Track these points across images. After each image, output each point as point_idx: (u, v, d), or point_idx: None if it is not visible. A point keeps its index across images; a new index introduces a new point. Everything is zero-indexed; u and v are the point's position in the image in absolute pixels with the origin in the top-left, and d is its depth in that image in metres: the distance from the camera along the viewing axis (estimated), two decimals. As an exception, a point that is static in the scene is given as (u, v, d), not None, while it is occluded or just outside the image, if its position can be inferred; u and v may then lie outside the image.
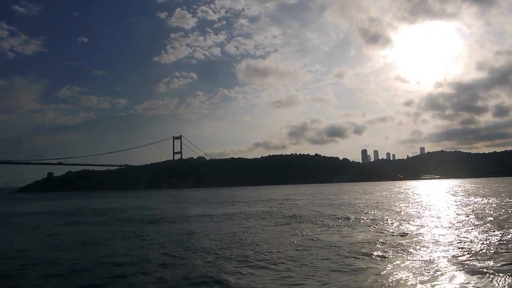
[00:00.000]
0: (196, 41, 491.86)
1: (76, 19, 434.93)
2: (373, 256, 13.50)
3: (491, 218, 23.51)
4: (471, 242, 15.70)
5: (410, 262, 12.55)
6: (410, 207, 34.62)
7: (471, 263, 12.14)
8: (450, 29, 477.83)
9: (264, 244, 17.02)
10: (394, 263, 12.45)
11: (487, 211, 28.47)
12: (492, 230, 18.68)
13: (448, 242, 15.67)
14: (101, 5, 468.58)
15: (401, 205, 37.90)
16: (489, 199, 42.04)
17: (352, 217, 27.06)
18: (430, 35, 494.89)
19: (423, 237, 17.44)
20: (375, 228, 20.92)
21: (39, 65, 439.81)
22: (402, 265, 12.20)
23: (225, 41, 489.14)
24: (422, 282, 10.20)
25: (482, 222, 21.72)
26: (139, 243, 18.71)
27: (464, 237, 16.87)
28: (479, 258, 12.77)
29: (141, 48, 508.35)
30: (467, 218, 24.08)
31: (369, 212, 30.68)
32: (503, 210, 28.43)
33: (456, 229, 19.57)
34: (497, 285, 9.80)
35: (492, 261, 12.22)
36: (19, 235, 24.19)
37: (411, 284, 10.13)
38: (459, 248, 14.40)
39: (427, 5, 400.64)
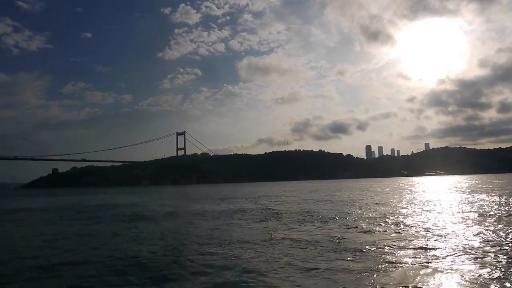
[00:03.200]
0: (200, 37, 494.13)
1: (80, 15, 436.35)
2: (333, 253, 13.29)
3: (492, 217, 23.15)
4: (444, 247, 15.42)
5: (383, 263, 12.31)
6: (402, 205, 34.25)
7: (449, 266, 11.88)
8: (451, 26, 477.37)
9: (230, 242, 16.84)
10: (360, 264, 12.20)
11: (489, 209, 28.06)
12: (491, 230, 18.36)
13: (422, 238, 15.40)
14: (104, 1, 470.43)
15: (393, 202, 37.54)
16: (497, 196, 41.54)
17: (335, 215, 26.82)
18: (431, 32, 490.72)
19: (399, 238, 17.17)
20: (346, 225, 20.65)
21: (44, 61, 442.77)
22: (373, 266, 11.95)
23: (229, 36, 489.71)
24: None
25: (476, 221, 21.37)
26: (103, 241, 18.59)
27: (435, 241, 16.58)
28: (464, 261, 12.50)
29: (145, 44, 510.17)
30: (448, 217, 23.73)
31: (355, 210, 30.38)
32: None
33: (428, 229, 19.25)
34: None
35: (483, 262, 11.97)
36: None
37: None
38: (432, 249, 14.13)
39: (427, 2, 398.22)
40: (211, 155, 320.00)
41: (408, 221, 22.38)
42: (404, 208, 31.23)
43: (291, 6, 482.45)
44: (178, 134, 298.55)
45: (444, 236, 16.90)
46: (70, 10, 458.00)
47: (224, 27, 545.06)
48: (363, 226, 20.76)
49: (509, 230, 17.74)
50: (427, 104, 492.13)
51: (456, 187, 72.25)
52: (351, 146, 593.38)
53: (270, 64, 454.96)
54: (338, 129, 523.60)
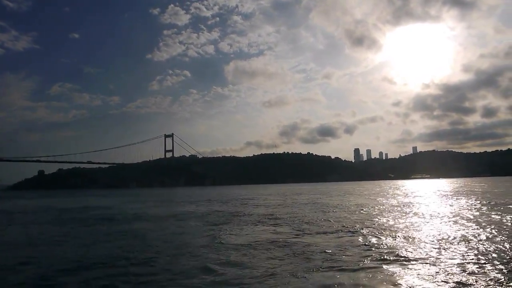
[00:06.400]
0: (189, 39, 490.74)
1: (67, 15, 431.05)
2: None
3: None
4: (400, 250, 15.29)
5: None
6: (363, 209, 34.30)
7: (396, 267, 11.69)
8: (434, 32, 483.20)
9: (171, 247, 16.55)
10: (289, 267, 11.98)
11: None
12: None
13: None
14: (92, 1, 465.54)
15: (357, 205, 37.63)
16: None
17: (294, 218, 26.68)
18: (415, 37, 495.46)
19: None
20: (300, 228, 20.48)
21: (30, 62, 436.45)
22: (314, 269, 11.74)
23: (219, 38, 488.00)
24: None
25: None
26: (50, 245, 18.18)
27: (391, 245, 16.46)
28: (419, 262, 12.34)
29: (133, 45, 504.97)
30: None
31: (321, 214, 30.27)
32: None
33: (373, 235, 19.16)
34: None
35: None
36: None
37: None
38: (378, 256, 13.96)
39: (409, 8, 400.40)
40: (200, 157, 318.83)
41: (358, 222, 22.29)
42: (361, 211, 31.25)
43: (280, 8, 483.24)
44: (166, 136, 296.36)
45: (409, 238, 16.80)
46: (58, 10, 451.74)
47: (213, 29, 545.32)
48: (316, 229, 20.59)
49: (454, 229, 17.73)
50: (412, 108, 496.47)
51: (438, 190, 72.89)
52: (339, 149, 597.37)
53: (258, 67, 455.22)
54: (326, 132, 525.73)
